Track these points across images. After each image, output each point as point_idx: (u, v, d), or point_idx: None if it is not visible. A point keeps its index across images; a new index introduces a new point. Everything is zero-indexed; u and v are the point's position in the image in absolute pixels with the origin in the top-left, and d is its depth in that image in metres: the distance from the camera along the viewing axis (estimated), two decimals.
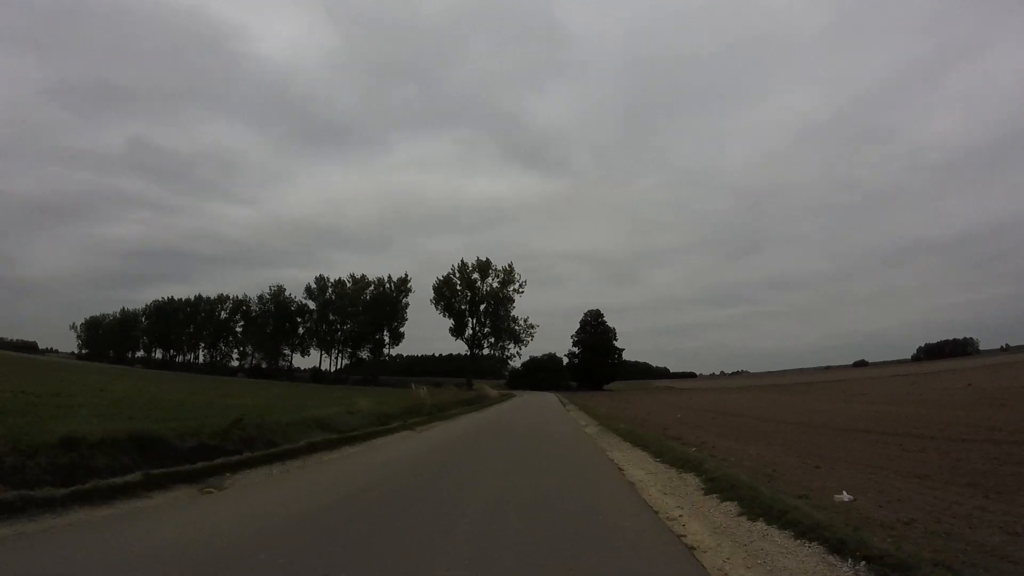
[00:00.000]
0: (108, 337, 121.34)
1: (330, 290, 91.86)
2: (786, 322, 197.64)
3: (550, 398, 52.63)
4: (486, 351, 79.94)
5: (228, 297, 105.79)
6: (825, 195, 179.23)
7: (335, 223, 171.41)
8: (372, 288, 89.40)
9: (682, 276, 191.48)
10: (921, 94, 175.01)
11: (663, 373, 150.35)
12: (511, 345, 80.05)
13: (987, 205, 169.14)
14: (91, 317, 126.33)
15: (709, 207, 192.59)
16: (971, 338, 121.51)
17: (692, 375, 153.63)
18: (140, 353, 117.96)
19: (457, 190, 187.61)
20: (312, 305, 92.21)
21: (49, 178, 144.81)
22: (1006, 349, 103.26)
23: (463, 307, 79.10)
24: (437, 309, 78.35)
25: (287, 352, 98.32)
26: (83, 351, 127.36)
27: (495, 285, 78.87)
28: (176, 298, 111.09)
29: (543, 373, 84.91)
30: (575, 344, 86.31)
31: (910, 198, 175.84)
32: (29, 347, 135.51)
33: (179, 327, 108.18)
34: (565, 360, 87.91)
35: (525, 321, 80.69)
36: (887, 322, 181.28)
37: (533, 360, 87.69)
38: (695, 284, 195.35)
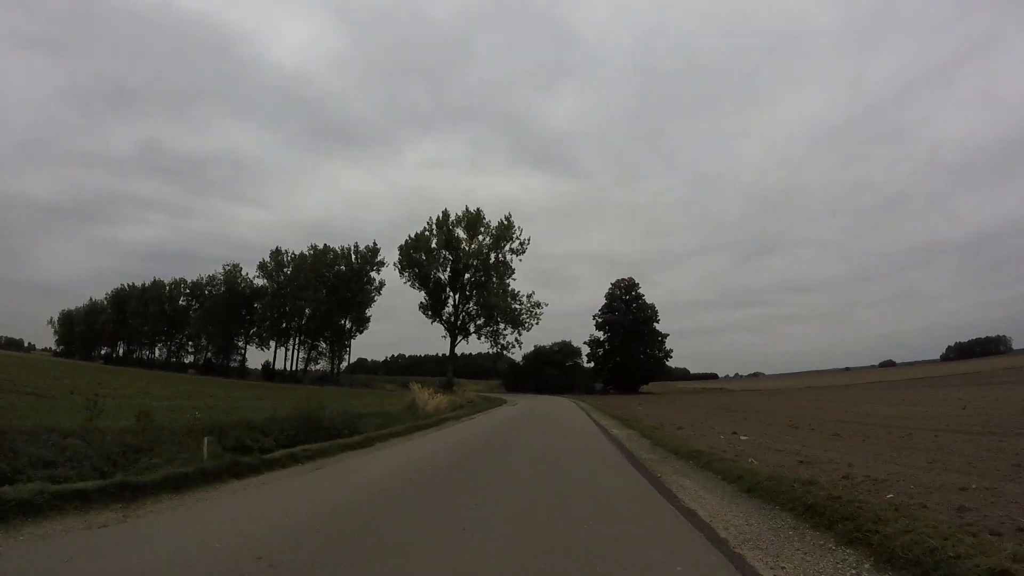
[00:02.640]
0: (81, 331, 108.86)
1: (287, 268, 72.48)
2: (803, 324, 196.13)
3: (566, 411, 28.78)
4: (474, 336, 57.08)
5: (185, 281, 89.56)
6: (840, 197, 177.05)
7: (348, 225, 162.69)
8: (337, 263, 69.04)
9: (696, 278, 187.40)
10: (935, 94, 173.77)
11: (683, 375, 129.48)
12: (508, 330, 57.06)
13: (1003, 204, 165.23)
14: (65, 311, 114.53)
15: (723, 209, 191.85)
16: (1003, 336, 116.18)
17: (714, 376, 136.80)
18: (104, 350, 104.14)
19: (468, 191, 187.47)
20: (267, 286, 73.50)
21: (63, 180, 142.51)
22: None
23: (442, 276, 57.10)
24: (404, 278, 56.60)
25: (240, 345, 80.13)
26: (59, 347, 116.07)
27: (487, 243, 56.45)
28: (134, 284, 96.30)
29: (553, 370, 60.99)
30: (600, 326, 61.76)
31: (925, 199, 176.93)
32: (16, 344, 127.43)
33: (137, 317, 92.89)
34: (585, 351, 63.57)
35: (528, 298, 57.73)
36: (908, 323, 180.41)
37: (539, 352, 63.21)
38: (709, 286, 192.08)
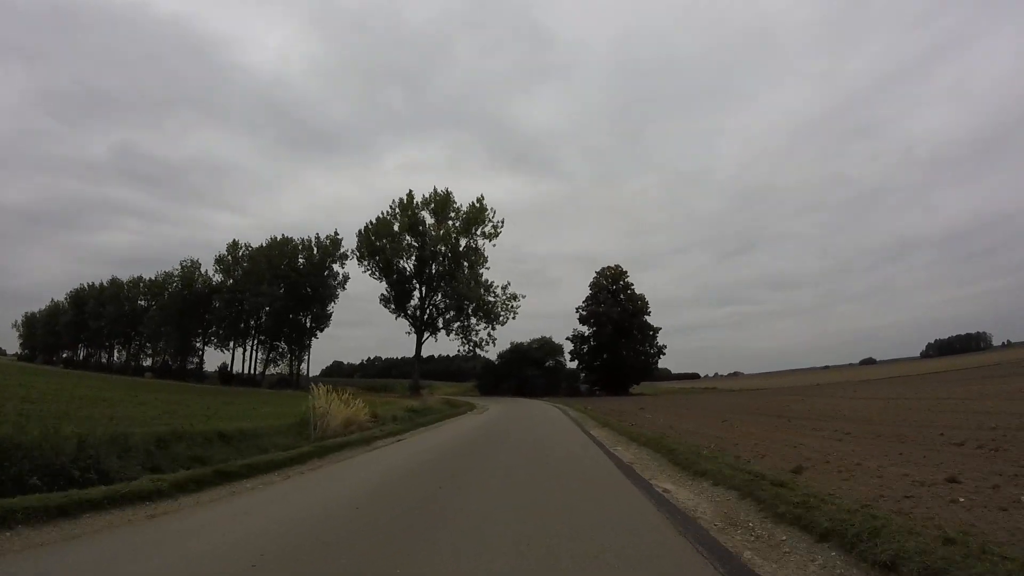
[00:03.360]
0: (42, 335, 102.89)
1: (245, 263, 66.25)
2: (782, 321, 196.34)
3: (548, 421, 22.96)
4: (443, 334, 50.99)
5: (143, 279, 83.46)
6: (818, 192, 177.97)
7: (327, 229, 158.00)
8: (296, 255, 62.75)
9: (676, 276, 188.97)
10: (910, 88, 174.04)
11: (666, 375, 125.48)
12: (481, 325, 50.97)
13: (979, 199, 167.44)
14: (28, 314, 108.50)
15: (702, 207, 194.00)
16: (984, 332, 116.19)
17: (696, 376, 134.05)
18: (66, 353, 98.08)
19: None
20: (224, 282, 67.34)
21: (37, 187, 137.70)
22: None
23: (406, 264, 51.04)
24: (364, 267, 50.63)
25: (198, 346, 74.08)
26: (23, 351, 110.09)
27: (456, 227, 50.31)
28: (93, 284, 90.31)
29: (533, 369, 54.72)
30: (584, 320, 55.47)
31: (902, 193, 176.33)
32: None
33: (95, 319, 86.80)
34: (568, 347, 57.10)
35: (504, 289, 51.67)
36: (886, 319, 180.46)
37: (516, 350, 56.64)
38: (689, 284, 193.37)
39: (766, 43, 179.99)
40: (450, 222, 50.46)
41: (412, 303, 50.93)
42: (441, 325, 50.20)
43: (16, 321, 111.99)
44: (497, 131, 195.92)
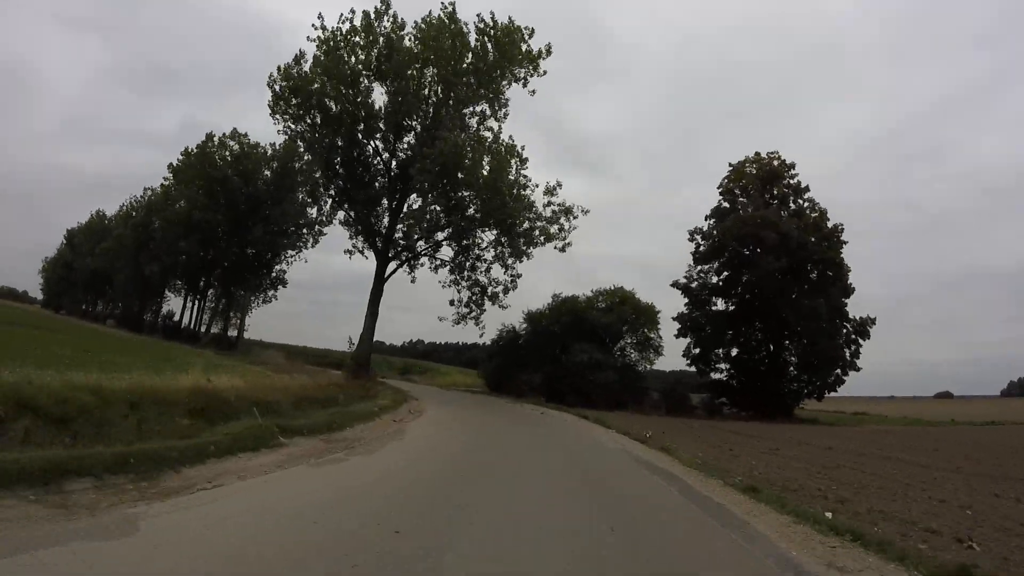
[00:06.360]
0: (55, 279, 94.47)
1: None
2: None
3: None
4: (425, 262, 27.45)
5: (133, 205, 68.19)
6: (879, 215, 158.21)
7: None
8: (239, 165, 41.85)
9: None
10: (976, 112, 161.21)
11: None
12: (510, 258, 26.95)
13: None
14: (49, 258, 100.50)
15: None
16: None
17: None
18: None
19: None
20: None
21: (112, 155, 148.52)
22: None
23: (356, 114, 26.03)
24: (279, 123, 26.43)
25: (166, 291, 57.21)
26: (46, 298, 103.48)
27: (464, 66, 25.99)
28: (81, 223, 77.86)
29: (589, 348, 27.00)
30: (706, 255, 28.80)
31: (967, 220, 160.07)
32: (18, 296, 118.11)
33: (81, 258, 74.41)
34: (671, 309, 29.89)
35: (550, 192, 26.87)
36: (960, 352, 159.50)
37: (560, 308, 29.57)
38: None
39: (830, 58, 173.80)
40: (452, 63, 26.07)
41: (373, 199, 27.49)
42: (419, 239, 26.41)
43: (45, 262, 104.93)
44: (554, 130, 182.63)
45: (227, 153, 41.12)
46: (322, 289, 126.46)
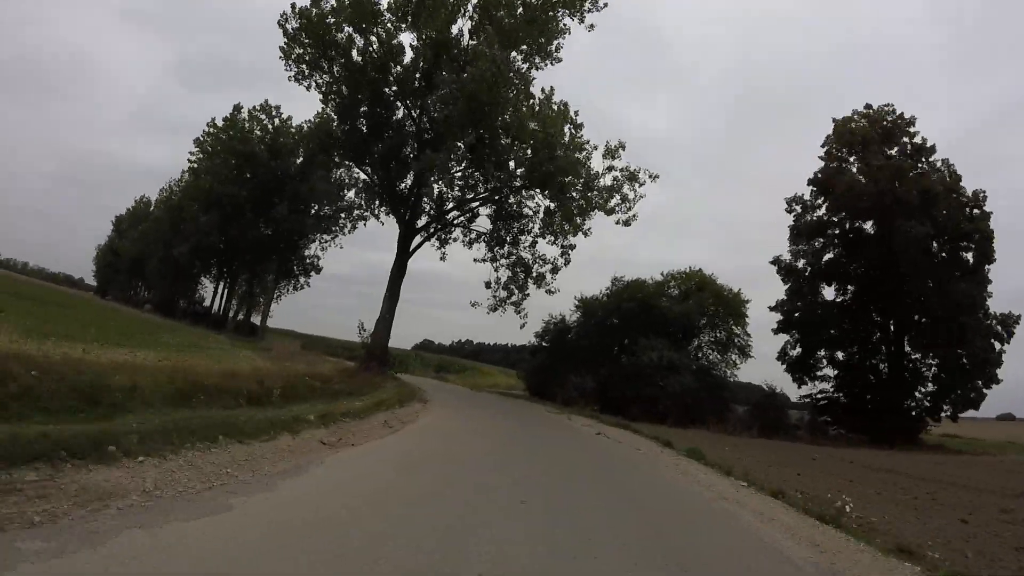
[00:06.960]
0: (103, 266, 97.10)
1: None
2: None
3: None
4: (459, 235, 23.41)
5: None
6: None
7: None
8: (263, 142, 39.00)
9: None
10: None
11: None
12: (567, 225, 21.73)
13: None
14: (102, 245, 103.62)
15: None
16: None
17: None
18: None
19: None
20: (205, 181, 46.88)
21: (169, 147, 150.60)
22: None
23: (384, 63, 21.69)
24: (294, 71, 22.29)
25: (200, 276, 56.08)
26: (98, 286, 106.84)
27: (507, 17, 21.75)
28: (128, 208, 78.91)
29: (653, 340, 21.59)
30: (802, 231, 22.94)
31: None
32: (74, 283, 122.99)
33: (125, 242, 75.39)
34: (778, 316, 23.57)
35: (612, 154, 22.15)
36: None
37: (621, 293, 24.29)
38: None
39: (895, 64, 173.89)
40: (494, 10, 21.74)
41: (394, 151, 23.40)
42: (455, 214, 22.39)
43: (98, 248, 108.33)
44: (608, 132, 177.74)
45: (257, 128, 38.29)
46: (376, 284, 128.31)
